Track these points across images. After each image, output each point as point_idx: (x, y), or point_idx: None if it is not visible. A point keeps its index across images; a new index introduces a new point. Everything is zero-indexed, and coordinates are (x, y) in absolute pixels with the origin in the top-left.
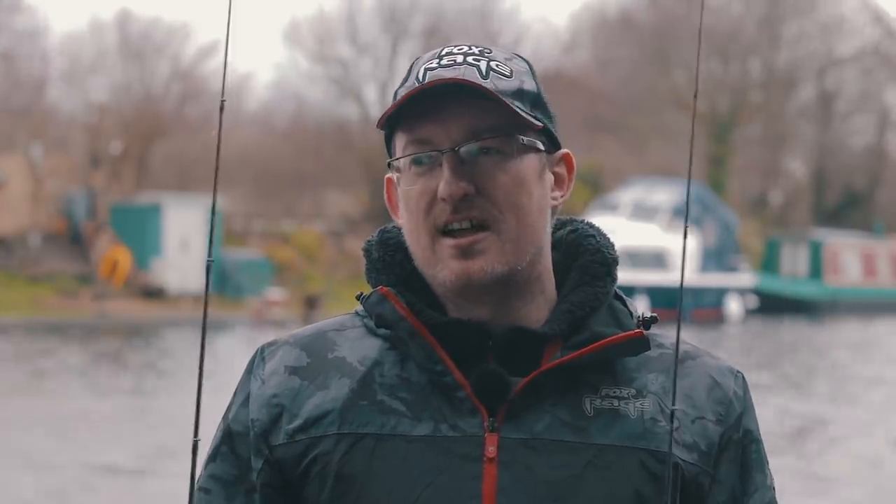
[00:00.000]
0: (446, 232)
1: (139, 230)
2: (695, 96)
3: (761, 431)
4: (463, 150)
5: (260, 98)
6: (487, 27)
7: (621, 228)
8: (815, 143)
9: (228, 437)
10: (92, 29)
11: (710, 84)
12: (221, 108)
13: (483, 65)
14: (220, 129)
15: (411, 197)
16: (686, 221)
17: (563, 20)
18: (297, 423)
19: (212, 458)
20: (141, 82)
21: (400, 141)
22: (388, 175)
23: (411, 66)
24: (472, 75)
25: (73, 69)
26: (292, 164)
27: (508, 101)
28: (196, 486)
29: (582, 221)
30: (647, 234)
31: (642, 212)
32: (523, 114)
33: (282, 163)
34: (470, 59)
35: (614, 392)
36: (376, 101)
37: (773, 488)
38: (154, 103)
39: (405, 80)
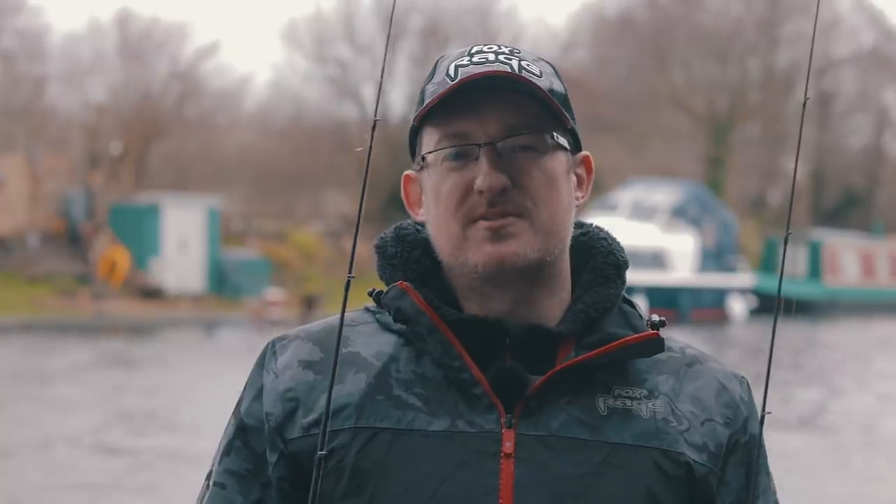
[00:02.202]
0: (477, 218)
1: (137, 230)
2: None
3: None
4: (500, 144)
5: (258, 98)
6: (486, 27)
7: (620, 228)
8: (814, 143)
9: (242, 432)
10: (91, 29)
11: (709, 84)
12: (374, 127)
13: (515, 63)
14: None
15: (443, 190)
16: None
17: (561, 20)
18: (312, 416)
19: (225, 452)
20: (139, 82)
21: (431, 135)
22: (407, 172)
23: (437, 64)
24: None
25: (71, 69)
26: (290, 164)
27: (546, 96)
28: (211, 482)
29: (592, 224)
30: (645, 234)
31: (641, 212)
32: (560, 110)
33: (280, 163)
34: (501, 57)
35: (627, 392)
36: (374, 102)
37: (776, 492)
38: (153, 103)
39: (432, 76)
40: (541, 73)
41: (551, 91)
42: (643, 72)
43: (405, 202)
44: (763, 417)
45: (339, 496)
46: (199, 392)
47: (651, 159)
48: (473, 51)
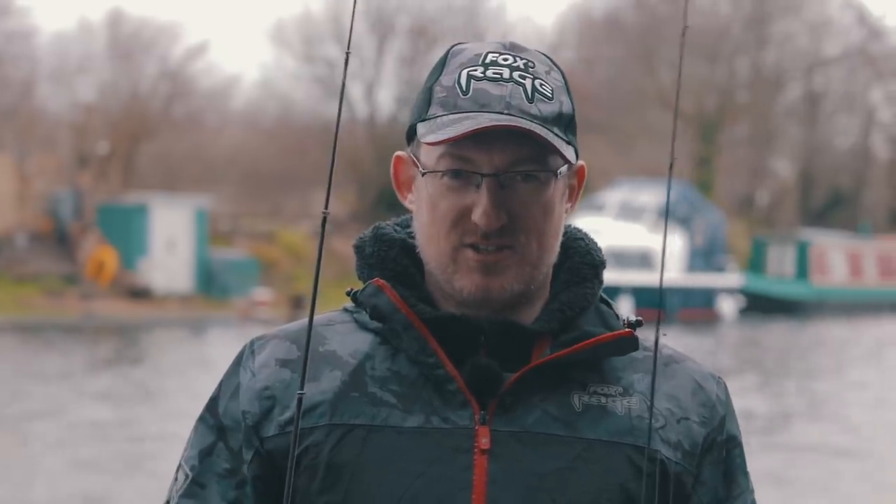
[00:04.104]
0: (469, 245)
1: (126, 230)
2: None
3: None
4: (503, 176)
5: (247, 98)
6: (474, 27)
7: (607, 229)
8: (802, 143)
9: (221, 431)
10: (80, 29)
11: (697, 84)
12: (346, 62)
13: (528, 84)
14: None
15: (439, 207)
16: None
17: (549, 20)
18: (288, 414)
19: (206, 452)
20: (128, 82)
21: (434, 147)
22: (399, 153)
23: (447, 59)
24: (518, 96)
25: (60, 69)
26: (279, 163)
27: (553, 135)
28: (189, 478)
29: (570, 225)
30: (632, 234)
31: (628, 212)
32: (564, 149)
33: (268, 163)
34: (516, 75)
35: (602, 389)
36: (363, 101)
37: (754, 492)
38: (141, 103)
39: (440, 74)
40: (552, 92)
41: (560, 114)
42: (631, 71)
43: (394, 182)
44: (657, 340)
45: (314, 493)
46: (187, 389)
47: (639, 159)
48: (488, 59)
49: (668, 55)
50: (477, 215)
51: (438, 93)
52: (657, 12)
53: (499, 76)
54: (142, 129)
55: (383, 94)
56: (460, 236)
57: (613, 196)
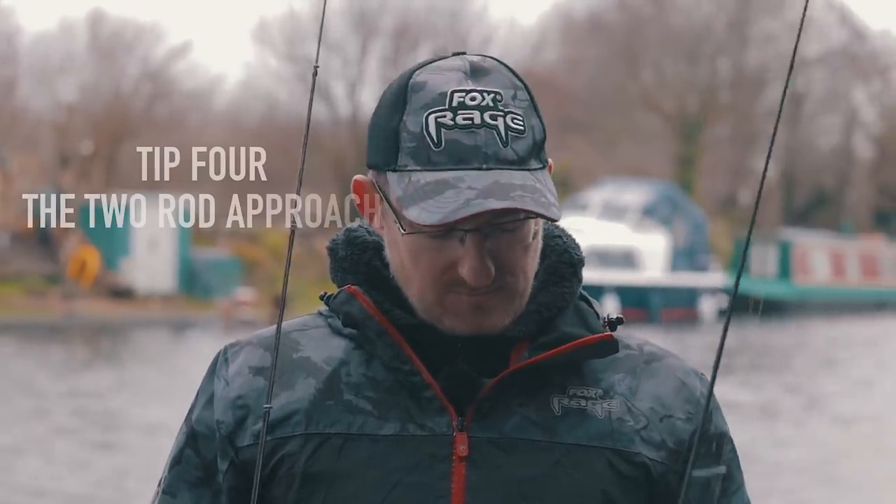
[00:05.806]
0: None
1: (108, 230)
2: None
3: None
4: (487, 228)
5: (229, 97)
6: (457, 28)
7: (590, 228)
8: (784, 143)
9: (193, 439)
10: (62, 29)
11: (679, 84)
12: (314, 74)
13: (501, 124)
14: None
15: (420, 260)
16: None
17: (531, 20)
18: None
19: (176, 460)
20: (110, 82)
21: None
22: (358, 178)
23: (407, 94)
24: (493, 143)
25: (42, 69)
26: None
27: (534, 179)
28: (161, 489)
29: (547, 223)
30: (616, 233)
31: (612, 211)
32: (546, 200)
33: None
34: (487, 116)
35: (582, 392)
36: (345, 101)
37: (743, 483)
38: (123, 103)
39: (402, 110)
40: (523, 123)
41: (533, 144)
42: (614, 72)
43: (358, 209)
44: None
45: (290, 503)
46: (168, 389)
47: (622, 159)
48: (455, 102)
49: (651, 55)
50: (465, 271)
51: (406, 140)
52: (640, 13)
53: (470, 122)
54: (124, 129)
55: (366, 94)
56: (447, 286)
57: (597, 195)
